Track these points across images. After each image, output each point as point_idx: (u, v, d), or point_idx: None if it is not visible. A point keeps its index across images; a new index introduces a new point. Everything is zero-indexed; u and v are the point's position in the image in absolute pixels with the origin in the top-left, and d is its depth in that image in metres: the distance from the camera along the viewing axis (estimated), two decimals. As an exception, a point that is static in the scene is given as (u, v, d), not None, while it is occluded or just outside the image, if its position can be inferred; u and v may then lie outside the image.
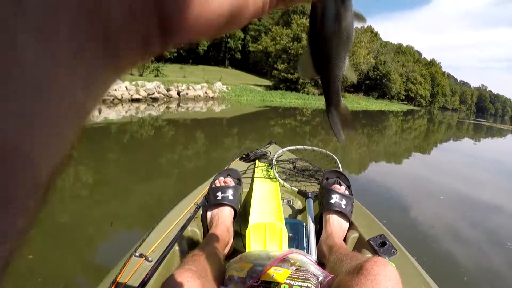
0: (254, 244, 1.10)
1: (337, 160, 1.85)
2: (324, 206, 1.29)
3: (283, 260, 0.86)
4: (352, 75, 0.39)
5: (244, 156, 2.07)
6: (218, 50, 41.39)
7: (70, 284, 1.94)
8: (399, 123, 19.93)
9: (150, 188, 3.63)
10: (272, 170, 1.76)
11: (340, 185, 1.39)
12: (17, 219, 0.14)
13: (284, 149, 2.10)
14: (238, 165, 1.95)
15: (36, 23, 0.12)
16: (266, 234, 1.11)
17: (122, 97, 12.26)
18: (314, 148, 2.04)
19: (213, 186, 1.35)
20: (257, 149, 2.16)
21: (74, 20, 0.14)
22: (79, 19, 0.14)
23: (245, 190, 1.59)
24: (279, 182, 1.64)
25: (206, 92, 17.80)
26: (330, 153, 1.94)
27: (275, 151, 2.04)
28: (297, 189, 1.60)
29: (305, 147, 2.08)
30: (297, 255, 0.87)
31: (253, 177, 1.72)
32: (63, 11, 0.13)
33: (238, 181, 1.42)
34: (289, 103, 22.19)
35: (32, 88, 0.13)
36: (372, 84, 45.86)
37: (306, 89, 28.73)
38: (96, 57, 0.15)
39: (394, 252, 1.17)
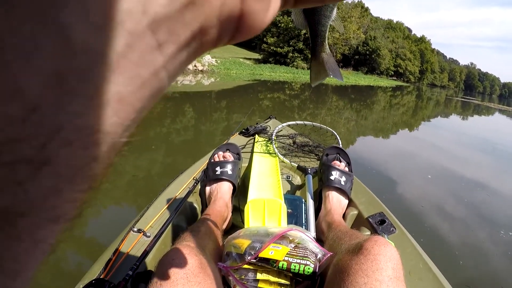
0: (253, 219, 1.08)
1: (337, 136, 1.84)
2: (323, 183, 1.27)
3: (282, 237, 0.85)
4: (339, 25, 0.40)
5: (243, 130, 2.05)
6: (207, 21, 40.43)
7: (65, 260, 1.92)
8: (388, 98, 20.01)
9: (139, 162, 3.58)
10: (271, 145, 1.75)
11: (340, 161, 1.37)
12: (78, 200, 0.14)
13: (284, 124, 2.08)
14: (237, 139, 1.93)
15: None
16: (265, 210, 1.09)
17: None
18: (314, 123, 2.02)
19: (212, 160, 1.32)
20: (256, 124, 2.13)
21: None
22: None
23: (244, 165, 1.57)
24: (279, 157, 1.63)
25: (195, 65, 17.52)
26: (330, 129, 1.93)
27: (275, 126, 2.02)
28: (296, 165, 1.59)
29: (305, 122, 2.06)
30: (296, 232, 0.86)
31: (252, 152, 1.70)
32: None
33: (238, 156, 1.39)
34: (278, 77, 22.03)
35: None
36: (362, 59, 45.66)
37: (295, 63, 28.54)
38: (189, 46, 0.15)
39: (393, 230, 1.16)
